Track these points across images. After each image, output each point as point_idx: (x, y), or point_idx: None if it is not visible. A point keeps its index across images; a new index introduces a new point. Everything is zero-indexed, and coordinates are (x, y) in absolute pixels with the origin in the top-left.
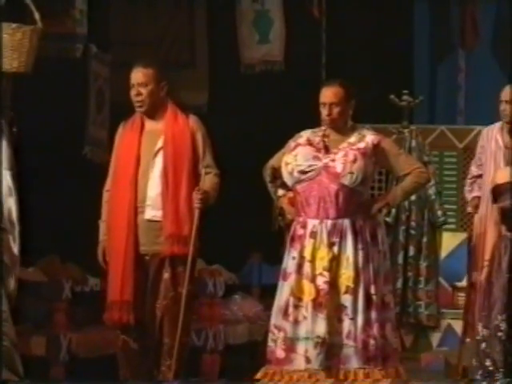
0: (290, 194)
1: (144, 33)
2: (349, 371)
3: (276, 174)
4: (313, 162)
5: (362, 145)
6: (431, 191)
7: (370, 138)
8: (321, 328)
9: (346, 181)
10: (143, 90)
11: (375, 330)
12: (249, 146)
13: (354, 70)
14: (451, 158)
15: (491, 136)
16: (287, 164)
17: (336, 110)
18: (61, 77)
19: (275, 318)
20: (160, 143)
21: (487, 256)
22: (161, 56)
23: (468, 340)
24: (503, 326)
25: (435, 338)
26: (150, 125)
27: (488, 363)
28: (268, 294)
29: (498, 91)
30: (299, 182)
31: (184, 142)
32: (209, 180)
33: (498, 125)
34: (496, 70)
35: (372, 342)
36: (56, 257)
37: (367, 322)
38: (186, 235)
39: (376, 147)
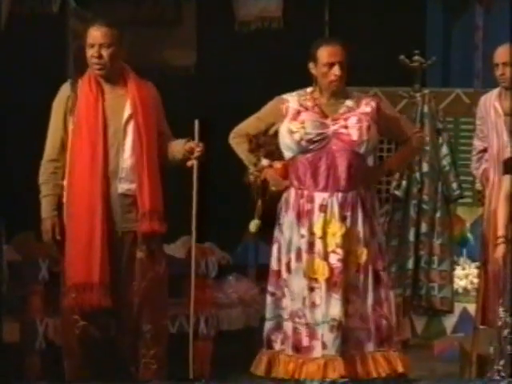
0: (278, 165)
1: None
2: (365, 356)
3: (258, 142)
4: (322, 130)
5: (367, 109)
6: (445, 161)
7: (368, 101)
8: (336, 310)
9: (362, 149)
10: (105, 52)
11: (385, 308)
12: (242, 114)
13: (361, 27)
14: (468, 125)
15: (489, 105)
16: (293, 132)
17: (343, 70)
18: (35, 35)
19: (292, 304)
20: (128, 109)
21: (501, 232)
22: (144, 12)
23: (483, 326)
24: None
25: (449, 323)
26: (109, 88)
27: (510, 349)
28: (265, 275)
29: None
30: (305, 151)
31: (151, 110)
32: None
33: (495, 92)
34: None
35: (384, 322)
36: (31, 233)
37: (377, 302)
38: (161, 210)
39: (378, 111)
